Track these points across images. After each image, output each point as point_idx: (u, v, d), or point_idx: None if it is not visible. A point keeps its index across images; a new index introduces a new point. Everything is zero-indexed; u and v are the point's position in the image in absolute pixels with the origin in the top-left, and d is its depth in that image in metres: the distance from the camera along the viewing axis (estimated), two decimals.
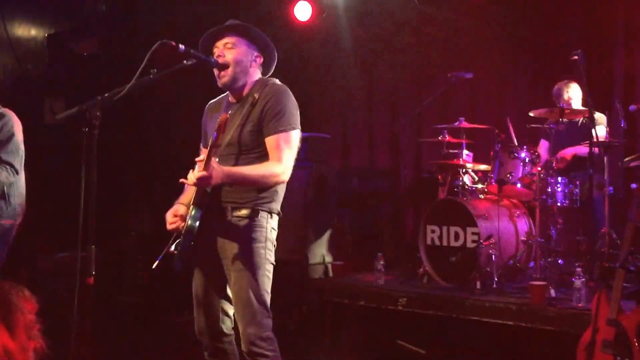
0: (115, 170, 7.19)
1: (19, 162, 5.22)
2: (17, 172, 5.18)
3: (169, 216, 3.86)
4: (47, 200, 7.10)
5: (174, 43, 3.60)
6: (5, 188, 5.14)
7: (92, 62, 8.44)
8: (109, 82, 3.68)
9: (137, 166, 8.36)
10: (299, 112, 3.94)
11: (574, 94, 6.71)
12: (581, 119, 6.58)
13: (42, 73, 8.74)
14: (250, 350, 3.79)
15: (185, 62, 3.73)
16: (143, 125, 8.34)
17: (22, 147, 5.26)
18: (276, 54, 4.12)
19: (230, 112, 3.90)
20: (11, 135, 5.16)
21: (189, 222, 3.71)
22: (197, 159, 3.63)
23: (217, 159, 3.64)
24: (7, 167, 5.12)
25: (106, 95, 3.37)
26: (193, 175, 3.57)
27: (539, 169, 6.18)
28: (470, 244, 6.14)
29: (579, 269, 5.35)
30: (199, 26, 4.13)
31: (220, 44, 3.97)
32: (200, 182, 3.57)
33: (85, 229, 3.22)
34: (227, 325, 4.00)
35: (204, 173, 3.52)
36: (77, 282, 3.18)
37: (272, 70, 4.17)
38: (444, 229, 6.36)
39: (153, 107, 8.05)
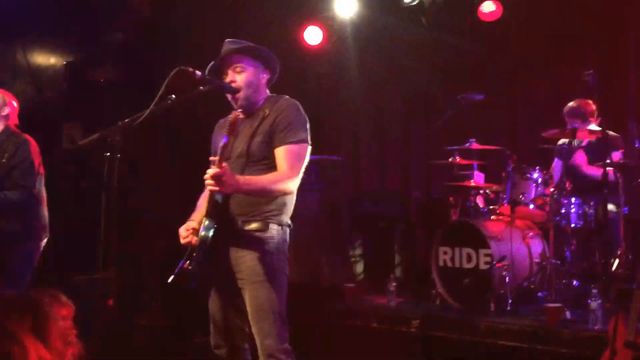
0: (129, 192, 7.26)
1: (35, 184, 5.24)
2: (32, 195, 5.20)
3: (182, 230, 3.91)
4: (68, 223, 7.15)
5: (191, 70, 3.72)
6: (20, 209, 5.16)
7: (109, 89, 8.54)
8: (126, 108, 3.78)
9: (152, 188, 8.42)
10: (309, 127, 3.98)
11: (589, 114, 6.60)
12: (594, 139, 6.48)
13: (60, 100, 8.84)
14: None
15: (201, 87, 3.84)
16: (158, 147, 8.44)
17: (38, 170, 5.28)
18: (278, 64, 4.16)
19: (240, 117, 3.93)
20: (25, 159, 5.20)
21: (202, 232, 3.76)
22: (211, 158, 3.62)
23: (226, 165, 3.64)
24: (22, 189, 5.14)
25: (126, 121, 3.51)
26: (209, 172, 3.56)
27: (552, 189, 6.13)
28: (483, 266, 6.10)
29: (594, 291, 5.30)
30: (213, 51, 4.16)
31: (230, 69, 4.02)
32: (214, 179, 3.53)
33: (105, 252, 3.30)
34: (243, 339, 4.03)
35: (218, 170, 3.50)
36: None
37: (274, 79, 4.20)
38: (457, 250, 6.32)
39: (166, 129, 8.14)
